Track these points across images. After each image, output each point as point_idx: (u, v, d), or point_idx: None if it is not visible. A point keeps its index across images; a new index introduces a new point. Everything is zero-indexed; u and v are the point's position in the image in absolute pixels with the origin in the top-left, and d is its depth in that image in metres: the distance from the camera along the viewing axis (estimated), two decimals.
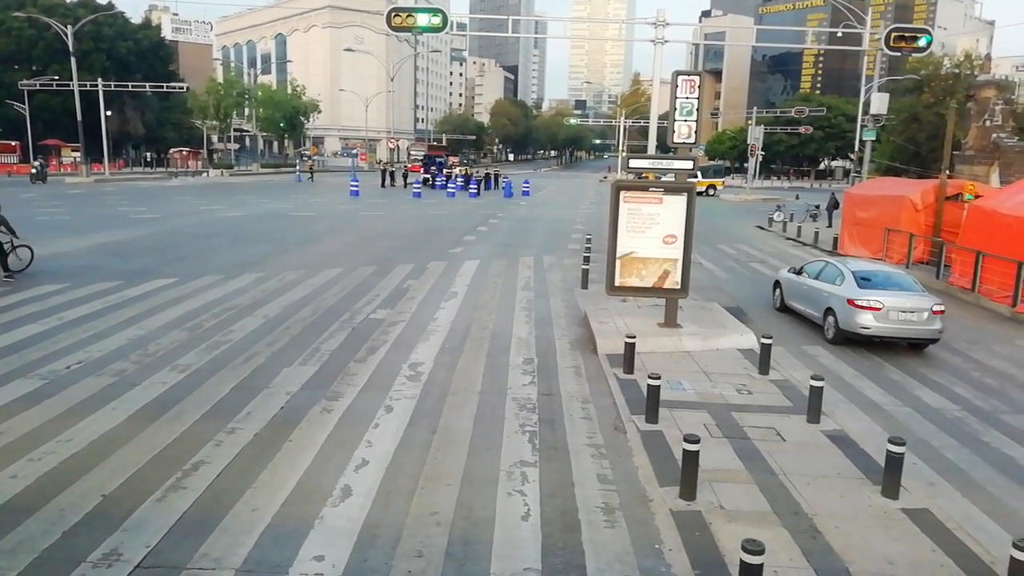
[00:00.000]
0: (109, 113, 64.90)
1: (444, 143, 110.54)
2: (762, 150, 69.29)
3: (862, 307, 10.62)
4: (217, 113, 54.91)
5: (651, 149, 14.23)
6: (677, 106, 10.85)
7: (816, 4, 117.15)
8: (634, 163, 11.10)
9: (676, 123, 10.90)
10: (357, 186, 36.88)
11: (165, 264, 15.65)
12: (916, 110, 36.48)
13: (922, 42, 15.41)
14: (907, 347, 11.13)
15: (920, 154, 33.39)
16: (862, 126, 29.12)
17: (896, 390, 9.25)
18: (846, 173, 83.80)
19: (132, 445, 6.49)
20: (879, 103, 27.04)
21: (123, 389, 7.86)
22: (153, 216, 22.42)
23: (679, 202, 10.83)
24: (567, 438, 7.13)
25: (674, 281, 11.02)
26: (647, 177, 16.47)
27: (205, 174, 52.90)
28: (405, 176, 46.29)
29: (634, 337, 9.23)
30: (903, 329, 10.66)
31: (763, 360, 9.48)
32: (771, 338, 9.46)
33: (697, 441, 5.87)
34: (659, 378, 7.58)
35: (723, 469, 6.45)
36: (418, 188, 38.14)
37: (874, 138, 28.03)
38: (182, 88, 48.36)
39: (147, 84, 48.82)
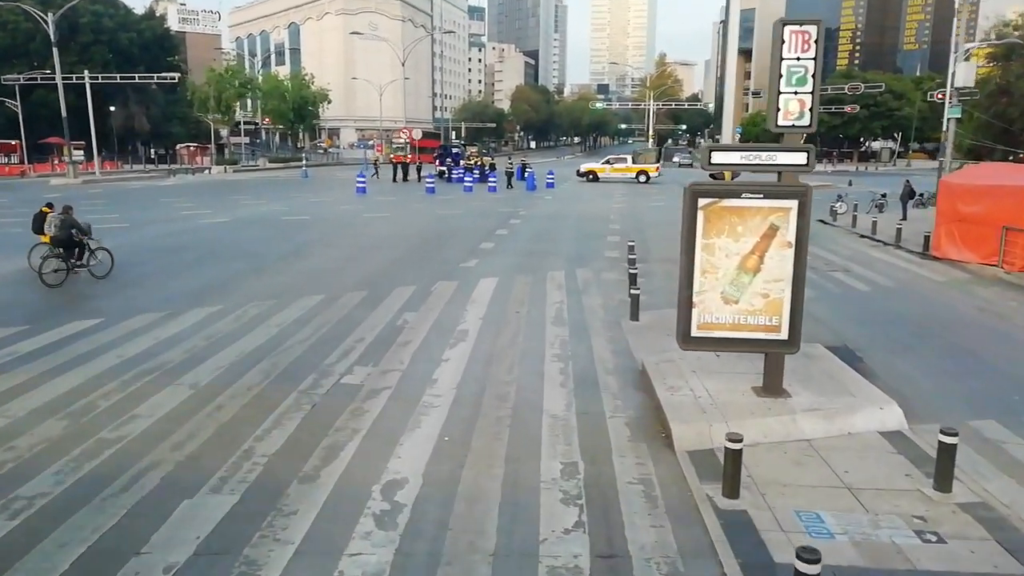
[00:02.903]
0: (113, 108, 62.66)
1: (462, 131, 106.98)
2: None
3: None
4: (219, 105, 51.96)
5: (726, 138, 10.54)
6: (783, 72, 7.29)
7: None
8: (719, 157, 7.56)
9: (782, 97, 7.35)
10: (364, 182, 33.65)
11: (97, 296, 12.51)
12: (1007, 80, 31.99)
13: None
14: None
15: (1010, 131, 29.09)
16: (944, 102, 24.96)
17: None
18: (893, 155, 78.63)
19: None
20: (965, 74, 22.91)
21: None
22: (121, 225, 19.45)
23: (786, 212, 7.36)
24: None
25: (779, 329, 7.55)
26: (723, 177, 12.94)
27: (207, 171, 50.16)
28: (419, 170, 42.90)
29: (739, 440, 5.77)
30: None
31: (941, 469, 5.98)
32: (954, 434, 5.93)
33: None
34: (816, 561, 4.11)
35: None
36: (431, 183, 34.81)
37: (959, 115, 23.90)
38: (173, 79, 45.31)
39: (136, 75, 45.88)
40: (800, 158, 7.39)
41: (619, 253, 17.64)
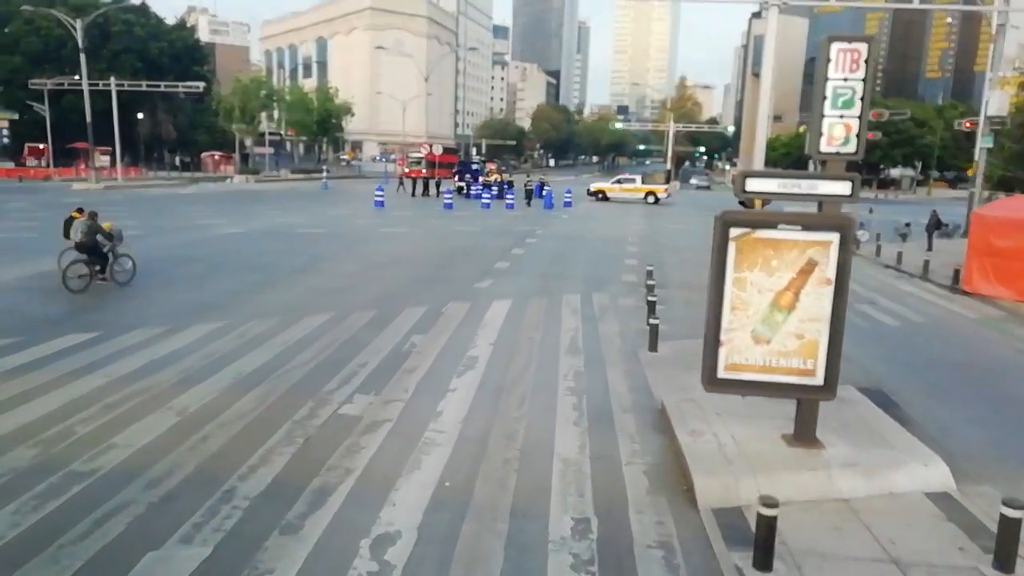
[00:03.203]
0: (141, 116, 63.45)
1: (483, 148, 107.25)
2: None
3: None
4: (243, 115, 52.28)
5: (757, 161, 9.87)
6: (828, 93, 6.71)
7: (875, 3, 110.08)
8: (754, 184, 6.96)
9: (826, 121, 6.76)
10: (383, 196, 33.38)
11: (99, 307, 12.14)
12: None
13: None
14: None
15: None
16: (971, 131, 24.13)
17: None
18: (913, 183, 77.33)
19: None
20: (998, 103, 22.14)
21: None
22: (136, 233, 19.14)
23: (826, 246, 6.75)
24: None
25: (814, 373, 6.91)
26: (752, 205, 12.45)
27: (230, 180, 50.32)
28: (438, 185, 42.65)
29: (774, 505, 5.12)
30: None
31: (1003, 546, 5.28)
32: (1021, 507, 5.22)
33: None
34: None
35: None
36: (449, 199, 34.45)
37: (991, 145, 23.07)
38: (198, 88, 45.61)
39: (161, 84, 46.28)
40: (844, 187, 6.78)
41: (637, 277, 17.04)
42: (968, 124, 26.18)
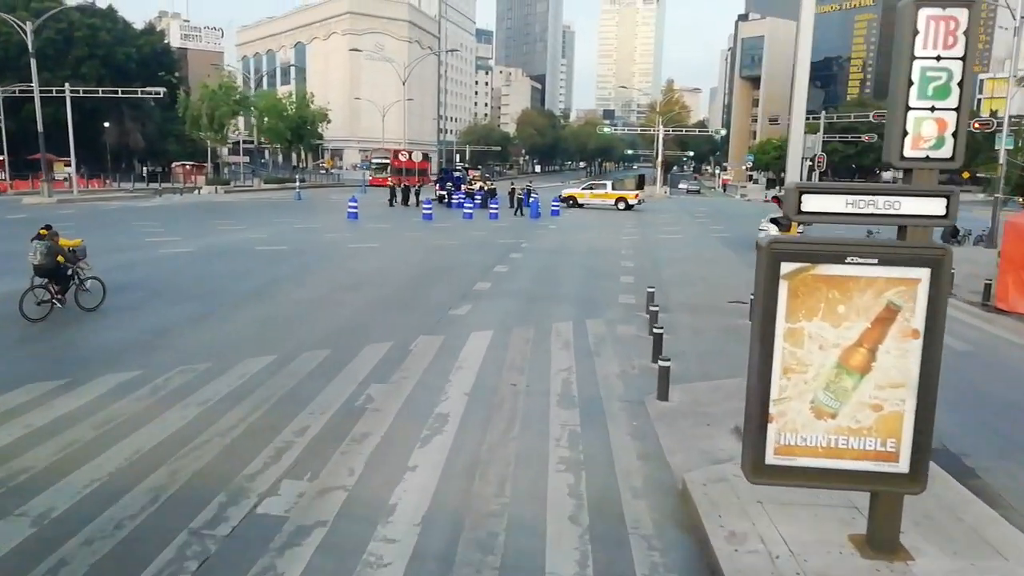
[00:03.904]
0: (107, 125, 60.98)
1: (467, 154, 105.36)
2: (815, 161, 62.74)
3: None
4: (211, 123, 49.93)
5: (792, 171, 7.99)
6: (915, 77, 4.87)
7: (865, 4, 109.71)
8: (813, 202, 5.08)
9: (912, 115, 4.92)
10: (356, 208, 31.33)
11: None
12: None
13: None
14: None
15: None
16: (984, 132, 22.60)
17: None
18: None
19: None
20: (1019, 103, 20.59)
21: None
22: None
23: (912, 286, 4.93)
24: None
25: (896, 457, 5.07)
26: (788, 228, 10.76)
27: (198, 191, 47.98)
28: (417, 194, 40.65)
29: None
30: None
31: None
32: None
33: None
34: None
35: None
36: (428, 209, 32.46)
37: (1011, 147, 21.51)
38: (158, 94, 43.32)
39: (119, 90, 43.98)
40: (936, 206, 4.93)
41: (635, 298, 15.20)
42: (977, 125, 24.71)
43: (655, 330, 10.53)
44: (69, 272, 12.35)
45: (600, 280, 17.66)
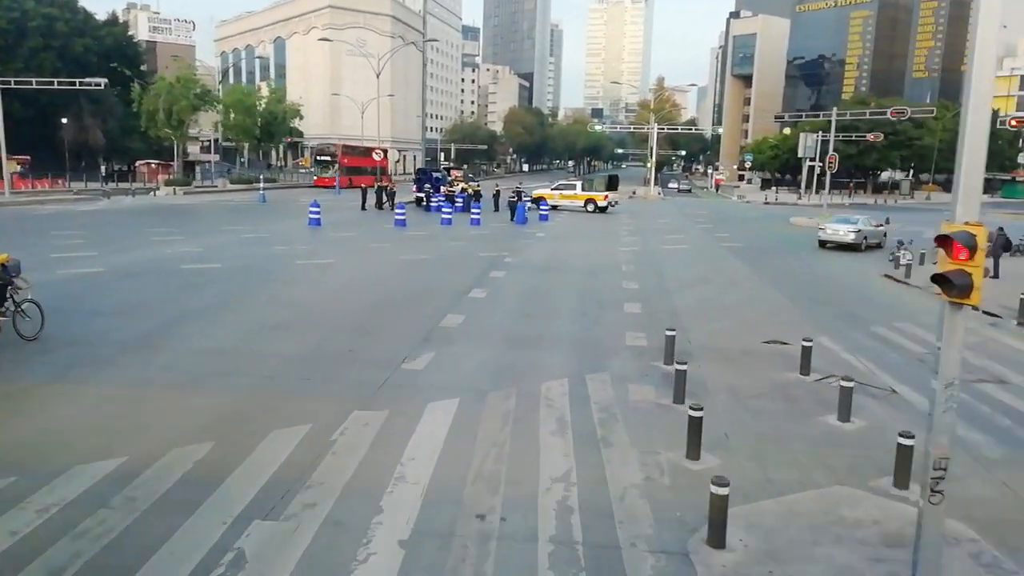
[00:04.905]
0: (65, 121, 56.83)
1: (452, 153, 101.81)
2: (817, 160, 59.87)
3: None
4: (169, 118, 45.96)
5: (970, 180, 4.62)
6: None
7: (861, 1, 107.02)
8: None
9: None
10: (319, 213, 27.75)
11: None
12: None
13: None
14: None
15: None
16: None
17: None
18: (912, 187, 73.66)
19: None
20: None
21: None
22: None
23: None
24: None
25: None
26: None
27: (154, 193, 44.06)
28: (392, 196, 37.07)
29: None
30: None
31: None
32: None
33: None
34: None
35: None
36: (402, 214, 28.91)
37: None
38: (99, 85, 39.40)
39: (56, 81, 40.05)
40: None
41: (647, 337, 11.90)
42: (1015, 123, 21.73)
43: (691, 412, 7.19)
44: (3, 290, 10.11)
45: (600, 311, 14.31)
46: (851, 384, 8.52)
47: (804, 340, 10.44)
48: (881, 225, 29.42)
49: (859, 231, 26.57)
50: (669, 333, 10.52)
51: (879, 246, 27.76)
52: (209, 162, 64.04)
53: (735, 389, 9.62)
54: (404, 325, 12.28)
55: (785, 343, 12.22)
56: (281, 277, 16.40)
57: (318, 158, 57.97)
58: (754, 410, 8.90)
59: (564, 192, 41.39)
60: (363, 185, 37.93)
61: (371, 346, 10.94)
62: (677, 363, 8.99)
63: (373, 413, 8.11)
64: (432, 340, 11.37)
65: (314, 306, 13.52)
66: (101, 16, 64.19)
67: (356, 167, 54.61)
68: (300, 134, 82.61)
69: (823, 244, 26.81)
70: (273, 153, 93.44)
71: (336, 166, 54.21)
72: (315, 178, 56.31)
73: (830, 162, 37.54)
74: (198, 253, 19.07)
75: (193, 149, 77.16)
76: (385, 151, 50.86)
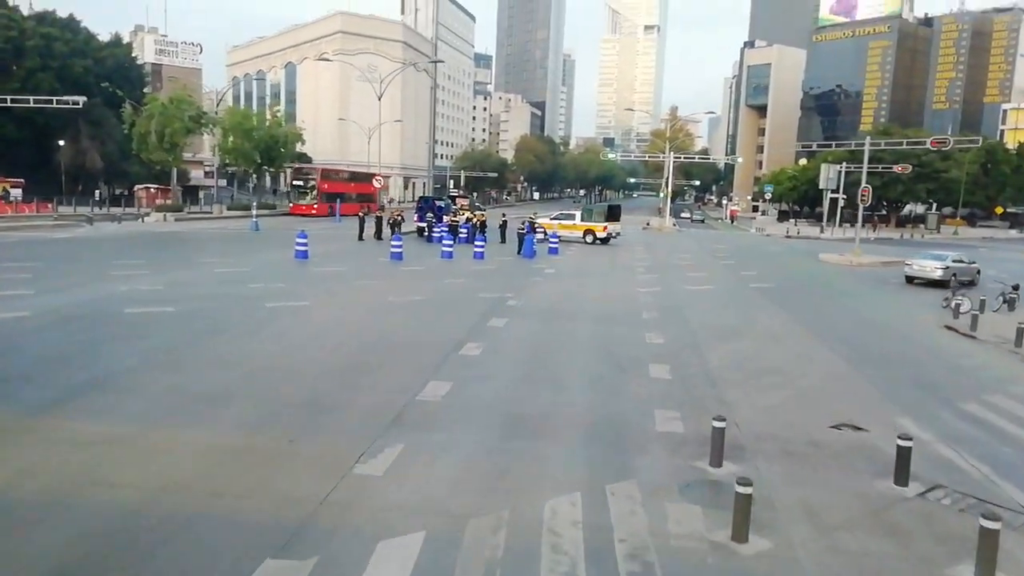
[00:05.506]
0: (63, 143, 55.39)
1: (462, 180, 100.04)
2: (840, 192, 57.23)
3: None
4: (161, 141, 44.07)
5: None
6: None
7: (880, 31, 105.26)
8: None
9: None
10: (306, 245, 25.35)
11: None
12: None
13: None
14: None
15: None
16: None
17: None
18: (938, 221, 70.75)
19: None
20: None
21: None
22: None
23: None
24: None
25: None
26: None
27: (142, 219, 41.96)
28: (392, 226, 34.73)
29: None
30: None
31: None
32: None
33: None
34: None
35: None
36: (398, 247, 26.46)
37: None
38: (77, 104, 37.54)
39: (32, 98, 38.24)
40: None
41: (681, 419, 9.23)
42: None
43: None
44: None
45: (620, 375, 11.63)
46: (993, 515, 5.78)
47: (900, 438, 7.73)
48: (975, 262, 28.48)
49: (947, 268, 26.35)
50: (717, 424, 7.84)
51: (971, 283, 26.95)
52: (212, 187, 62.27)
53: (813, 512, 6.90)
54: (372, 398, 9.65)
55: (860, 428, 9.52)
56: (240, 325, 13.83)
57: (294, 183, 53.61)
58: (849, 554, 6.18)
59: (563, 222, 39.13)
60: (359, 213, 35.55)
61: (321, 433, 8.30)
62: (739, 482, 6.29)
63: (289, 565, 5.45)
64: (403, 424, 8.72)
65: (266, 368, 10.91)
66: (105, 37, 63.23)
67: (337, 192, 52.22)
68: (308, 159, 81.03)
69: (910, 280, 26.99)
70: (280, 178, 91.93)
71: (314, 191, 51.37)
72: (291, 205, 53.17)
73: (863, 195, 34.81)
74: (154, 293, 16.57)
75: (197, 174, 75.67)
76: (386, 177, 48.41)
